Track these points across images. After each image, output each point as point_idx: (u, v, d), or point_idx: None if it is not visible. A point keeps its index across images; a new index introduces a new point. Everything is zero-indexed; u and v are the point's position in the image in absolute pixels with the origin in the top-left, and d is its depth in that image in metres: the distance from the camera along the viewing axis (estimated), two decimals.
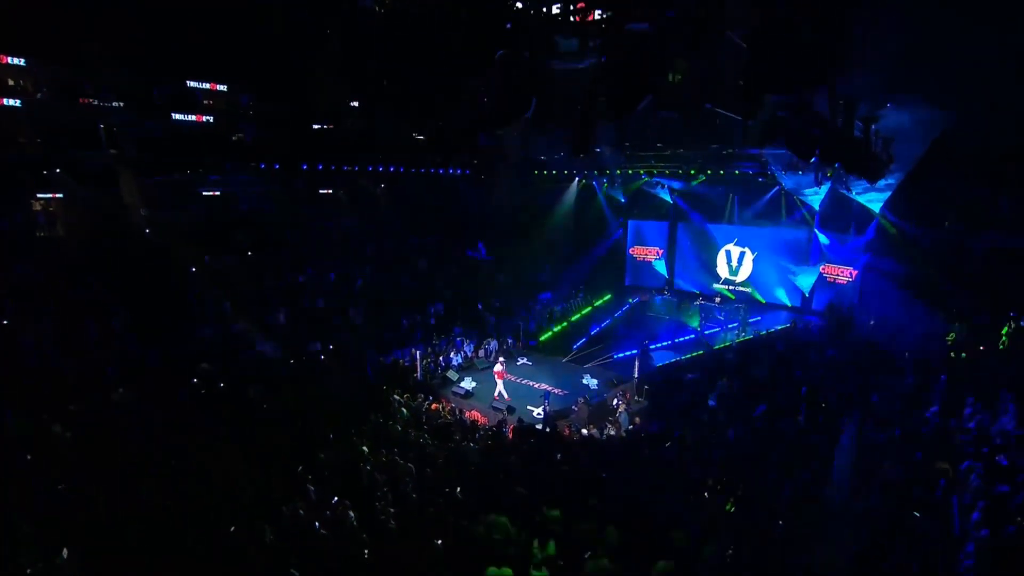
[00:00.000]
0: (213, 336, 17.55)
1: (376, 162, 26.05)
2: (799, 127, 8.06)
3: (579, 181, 29.85)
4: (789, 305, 26.23)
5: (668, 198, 29.13)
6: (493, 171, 28.58)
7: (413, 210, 27.95)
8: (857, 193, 20.71)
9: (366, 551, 8.90)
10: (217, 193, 23.41)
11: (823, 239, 24.18)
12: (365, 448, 11.64)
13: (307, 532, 9.18)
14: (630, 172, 26.26)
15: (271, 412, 13.41)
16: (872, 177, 13.57)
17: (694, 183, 26.31)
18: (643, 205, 30.43)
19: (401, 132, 26.44)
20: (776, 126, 10.63)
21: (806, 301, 25.62)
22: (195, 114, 20.50)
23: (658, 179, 27.37)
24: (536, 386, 17.25)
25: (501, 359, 17.55)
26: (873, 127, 11.54)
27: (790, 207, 25.29)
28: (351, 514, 9.49)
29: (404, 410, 14.32)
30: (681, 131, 20.85)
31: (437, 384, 18.44)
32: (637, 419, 14.04)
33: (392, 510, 9.91)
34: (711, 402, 14.56)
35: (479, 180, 29.23)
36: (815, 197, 22.96)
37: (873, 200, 20.66)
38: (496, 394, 16.73)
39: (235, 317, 18.74)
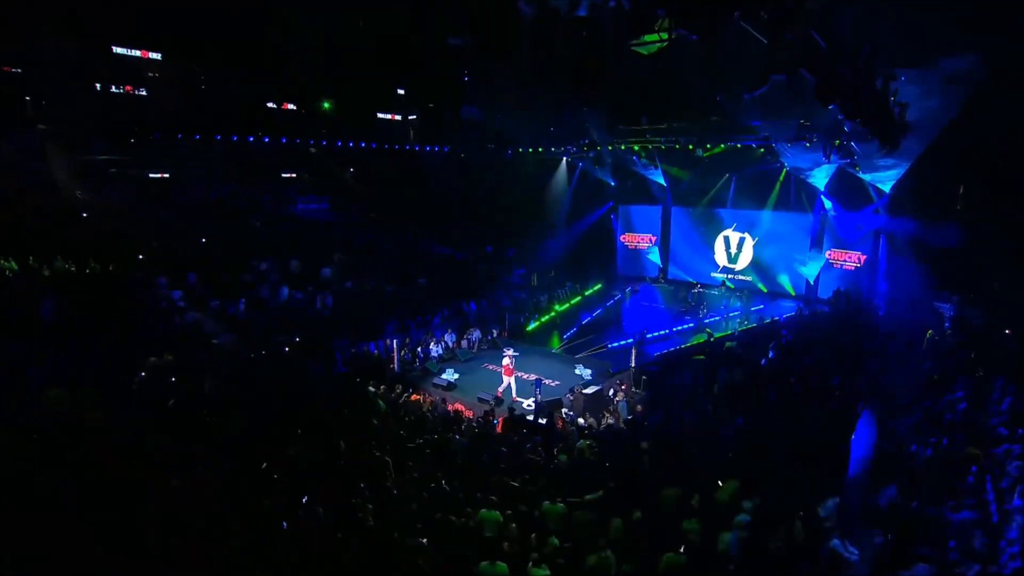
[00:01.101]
0: (164, 328, 16.87)
1: (344, 137, 25.53)
2: (821, 60, 7.69)
3: (567, 161, 29.55)
4: (793, 294, 26.28)
5: (662, 180, 29.08)
6: (474, 149, 28.10)
7: (385, 193, 27.37)
8: (865, 171, 20.67)
9: (341, 549, 8.44)
10: (167, 176, 22.73)
11: (827, 203, 24.10)
12: (340, 443, 11.29)
13: (274, 531, 8.72)
14: (622, 147, 25.96)
15: (230, 407, 12.85)
16: (892, 142, 13.43)
17: (686, 174, 26.13)
18: (635, 189, 30.43)
19: (368, 109, 26.10)
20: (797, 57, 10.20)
21: (811, 289, 25.69)
22: (128, 85, 19.68)
23: (649, 164, 27.40)
24: (525, 376, 17.03)
25: (509, 351, 17.00)
26: (893, 84, 11.35)
27: (793, 189, 25.35)
28: (321, 511, 9.01)
29: (380, 402, 13.99)
30: (677, 104, 20.60)
31: (416, 376, 18.25)
32: (639, 407, 13.84)
33: (370, 506, 9.46)
34: (716, 389, 14.38)
35: (458, 159, 28.65)
36: (820, 177, 22.93)
37: (882, 180, 20.66)
38: (500, 391, 16.42)
39: (188, 307, 18.08)
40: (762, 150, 22.57)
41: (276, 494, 9.48)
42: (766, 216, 26.90)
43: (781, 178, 25.37)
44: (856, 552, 8.38)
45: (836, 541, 8.30)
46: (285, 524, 8.83)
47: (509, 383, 16.57)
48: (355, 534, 8.64)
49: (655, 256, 30.57)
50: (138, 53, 20.12)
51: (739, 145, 22.61)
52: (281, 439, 11.40)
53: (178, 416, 12.23)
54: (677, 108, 21.46)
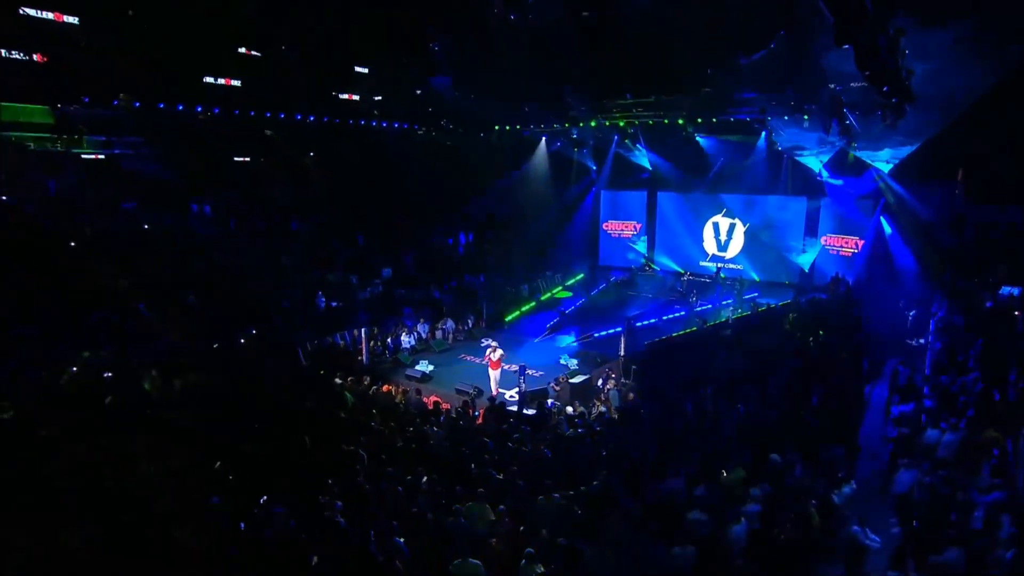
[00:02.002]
0: (101, 320, 16.14)
1: (300, 112, 24.87)
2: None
3: (546, 141, 29.32)
4: (787, 282, 26.30)
5: (646, 163, 29.02)
6: (443, 127, 27.65)
7: (347, 178, 26.93)
8: (864, 149, 20.73)
9: (308, 550, 8.03)
10: (101, 157, 21.82)
11: (825, 174, 24.01)
12: (302, 438, 11.12)
13: (228, 534, 8.49)
14: (607, 123, 25.71)
15: (177, 404, 12.91)
16: (897, 109, 13.36)
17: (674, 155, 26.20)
18: (618, 172, 30.26)
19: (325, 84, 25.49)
20: None
21: (806, 277, 25.74)
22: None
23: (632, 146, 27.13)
24: (506, 367, 16.79)
25: (494, 343, 16.77)
26: (902, 41, 11.21)
27: (787, 172, 25.33)
28: (282, 511, 8.67)
29: (348, 394, 13.80)
30: (666, 75, 20.39)
31: (387, 368, 18.08)
32: (631, 395, 13.71)
33: (339, 503, 9.07)
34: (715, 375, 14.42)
35: (427, 142, 28.21)
36: (818, 157, 22.95)
37: (883, 160, 20.73)
38: (495, 390, 16.09)
39: (131, 298, 17.33)
40: (757, 126, 22.44)
41: (229, 493, 9.32)
42: (758, 201, 26.88)
43: (766, 163, 25.37)
44: (878, 540, 8.21)
45: (856, 528, 8.12)
46: (243, 525, 8.64)
47: (495, 377, 16.31)
48: (323, 533, 8.41)
49: (641, 245, 30.43)
50: (51, 16, 19.11)
51: (732, 119, 22.46)
52: (235, 436, 11.18)
53: (117, 414, 12.01)
54: (666, 79, 21.17)
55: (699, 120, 23.21)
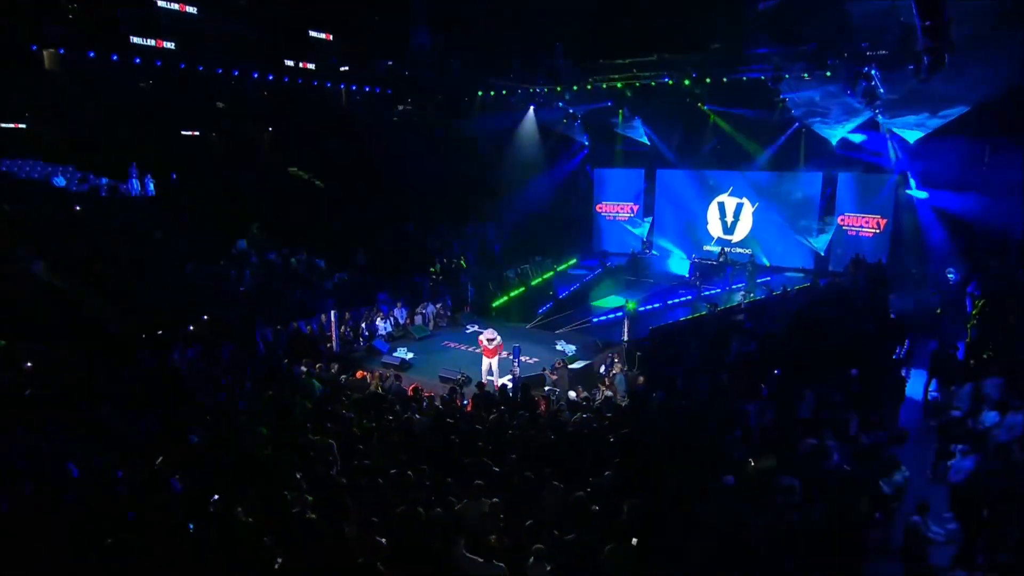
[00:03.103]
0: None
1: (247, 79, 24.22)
2: None
3: (534, 111, 28.87)
4: (800, 267, 26.07)
5: (644, 138, 28.73)
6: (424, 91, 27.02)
7: (313, 155, 26.54)
8: (889, 116, 20.41)
9: (273, 553, 7.62)
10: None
11: (851, 138, 23.53)
12: (262, 429, 10.97)
13: (177, 534, 8.16)
14: (603, 86, 25.16)
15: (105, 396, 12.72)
16: (938, 59, 12.91)
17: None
18: (613, 148, 29.96)
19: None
20: None
21: (821, 261, 25.50)
22: None
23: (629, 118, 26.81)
24: (504, 354, 16.59)
25: (490, 329, 16.44)
26: None
27: (802, 145, 25.03)
28: (239, 509, 8.33)
29: (315, 382, 13.51)
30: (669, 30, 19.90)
31: (360, 356, 17.97)
32: (640, 379, 13.44)
33: (310, 498, 8.68)
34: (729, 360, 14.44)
35: (406, 105, 27.50)
36: (836, 126, 22.57)
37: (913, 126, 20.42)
38: (485, 378, 15.72)
39: (50, 278, 16.75)
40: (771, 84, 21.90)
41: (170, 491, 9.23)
42: (768, 178, 26.61)
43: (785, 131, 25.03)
44: (941, 532, 7.90)
45: (917, 517, 7.66)
46: (192, 527, 8.34)
47: (491, 364, 16.01)
48: (290, 532, 7.99)
49: (640, 229, 30.13)
50: None
51: (745, 79, 22.00)
52: (182, 431, 11.21)
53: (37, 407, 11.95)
54: (669, 34, 20.62)
55: (707, 80, 22.66)
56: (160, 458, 10.01)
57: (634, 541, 7.26)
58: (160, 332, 16.06)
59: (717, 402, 12.00)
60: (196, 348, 15.77)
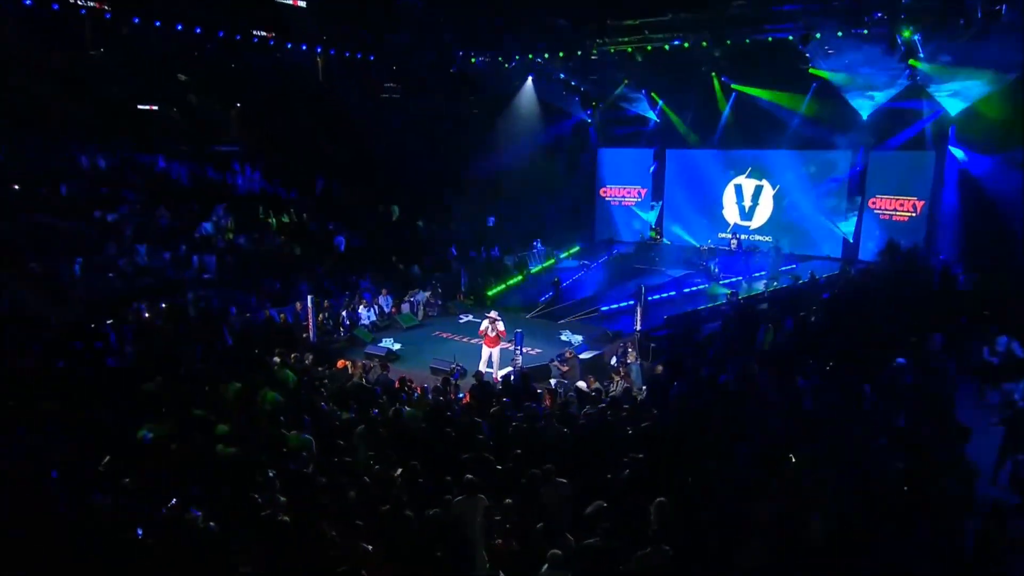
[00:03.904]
0: None
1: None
2: None
3: (533, 82, 28.40)
4: (826, 255, 25.84)
5: (653, 114, 28.50)
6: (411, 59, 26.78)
7: (288, 132, 26.34)
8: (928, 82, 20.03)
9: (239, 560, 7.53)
10: None
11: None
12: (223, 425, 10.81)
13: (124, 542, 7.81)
14: (611, 51, 24.60)
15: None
16: (996, 13, 12.51)
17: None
18: (619, 126, 29.78)
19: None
20: None
21: (850, 248, 25.29)
22: None
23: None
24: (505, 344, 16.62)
25: (493, 315, 15.97)
26: None
27: (828, 119, 24.49)
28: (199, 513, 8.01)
29: (290, 373, 13.33)
30: None
31: (341, 347, 17.90)
32: (659, 369, 13.26)
33: (283, 498, 8.50)
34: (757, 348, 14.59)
35: (391, 74, 27.38)
36: (869, 96, 22.14)
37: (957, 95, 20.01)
38: (483, 368, 15.42)
39: None
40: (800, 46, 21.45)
41: (118, 493, 8.78)
42: (790, 157, 26.26)
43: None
44: None
45: None
46: (140, 532, 8.02)
47: (491, 355, 15.75)
48: (260, 537, 7.83)
49: (645, 213, 29.91)
50: None
51: (770, 39, 21.47)
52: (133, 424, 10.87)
53: None
54: None
55: (727, 42, 22.19)
56: (107, 458, 9.60)
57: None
58: (96, 323, 15.90)
59: (747, 393, 11.77)
60: (151, 338, 15.71)
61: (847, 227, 25.28)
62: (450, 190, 27.58)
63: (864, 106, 22.81)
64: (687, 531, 7.44)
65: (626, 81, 26.65)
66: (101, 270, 18.11)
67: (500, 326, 15.54)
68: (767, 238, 26.68)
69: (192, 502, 8.18)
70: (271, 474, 8.89)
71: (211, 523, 7.79)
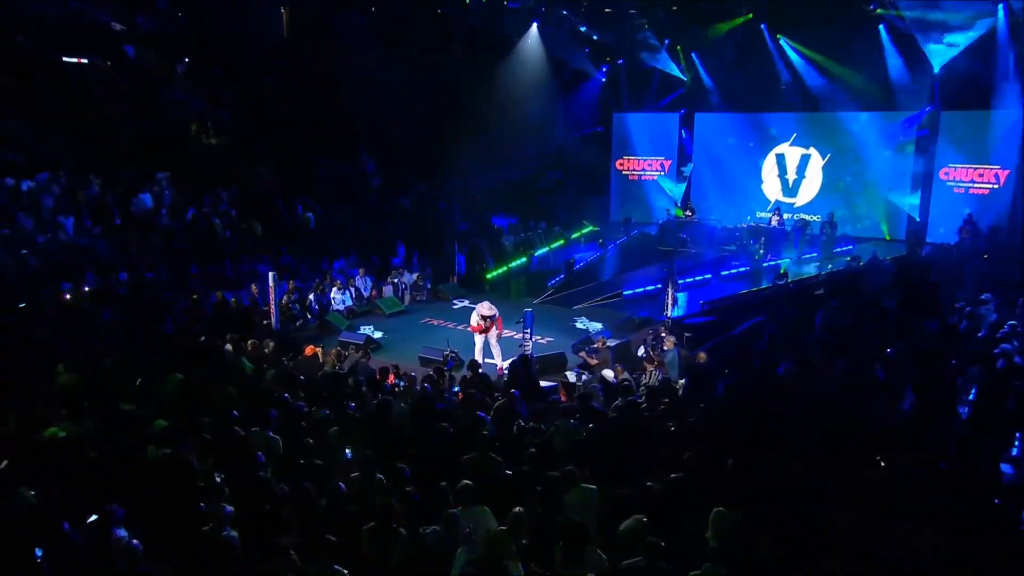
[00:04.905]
0: None
1: None
2: None
3: (538, 28, 28.21)
4: (888, 237, 25.63)
5: (678, 72, 28.31)
6: None
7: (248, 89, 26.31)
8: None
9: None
10: None
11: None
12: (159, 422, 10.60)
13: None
14: None
15: None
16: None
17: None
18: (640, 86, 29.65)
19: None
20: None
21: (915, 227, 24.91)
22: None
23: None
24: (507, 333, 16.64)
25: (486, 309, 15.76)
26: None
27: (891, 73, 24.15)
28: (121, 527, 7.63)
29: (245, 361, 13.34)
30: None
31: (311, 334, 17.99)
32: (702, 357, 13.03)
33: (230, 509, 7.98)
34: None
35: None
36: (943, 46, 21.53)
37: None
38: (480, 357, 15.39)
39: None
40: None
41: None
42: (845, 120, 25.97)
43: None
44: None
45: None
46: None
47: (487, 341, 15.70)
48: (200, 557, 7.54)
49: (676, 188, 29.78)
50: None
51: None
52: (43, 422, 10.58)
53: None
54: None
55: None
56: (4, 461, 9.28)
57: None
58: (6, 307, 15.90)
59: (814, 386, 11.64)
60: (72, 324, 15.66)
61: (912, 203, 24.96)
62: (440, 156, 27.42)
63: (938, 53, 22.34)
64: (753, 548, 6.94)
65: (646, 25, 26.42)
66: (14, 246, 17.97)
67: (495, 314, 15.40)
68: (816, 217, 26.39)
69: (113, 516, 7.56)
70: (218, 479, 8.62)
71: (135, 541, 7.26)
